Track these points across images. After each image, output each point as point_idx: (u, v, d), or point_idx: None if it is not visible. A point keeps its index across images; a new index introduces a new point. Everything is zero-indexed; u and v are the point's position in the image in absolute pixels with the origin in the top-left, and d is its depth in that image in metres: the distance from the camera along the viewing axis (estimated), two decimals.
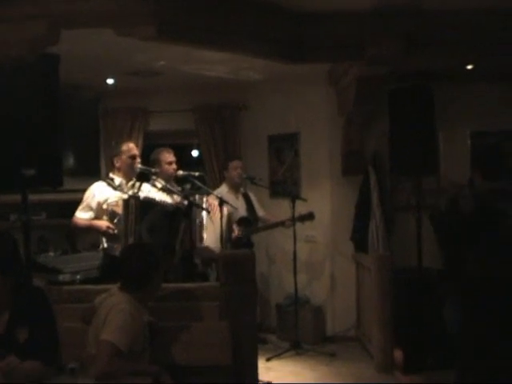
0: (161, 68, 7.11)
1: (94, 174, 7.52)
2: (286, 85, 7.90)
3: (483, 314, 4.58)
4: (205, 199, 6.15)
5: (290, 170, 8.19)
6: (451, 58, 6.43)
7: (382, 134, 7.22)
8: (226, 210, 6.38)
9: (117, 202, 5.61)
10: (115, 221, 5.53)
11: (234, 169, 7.32)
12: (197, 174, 6.36)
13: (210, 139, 8.36)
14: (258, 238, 7.61)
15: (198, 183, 6.27)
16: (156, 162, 6.30)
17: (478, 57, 6.50)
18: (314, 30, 6.02)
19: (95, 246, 6.04)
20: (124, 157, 5.89)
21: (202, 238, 5.94)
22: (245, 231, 7.07)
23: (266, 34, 5.81)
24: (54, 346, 3.43)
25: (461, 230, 4.86)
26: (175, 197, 6.08)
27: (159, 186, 6.07)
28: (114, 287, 4.02)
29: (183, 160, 7.16)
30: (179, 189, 6.21)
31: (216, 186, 7.56)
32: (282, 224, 7.26)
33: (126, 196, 5.57)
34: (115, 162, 5.93)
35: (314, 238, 7.92)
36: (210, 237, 6.19)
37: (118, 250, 5.39)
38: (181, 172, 6.34)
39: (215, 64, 6.97)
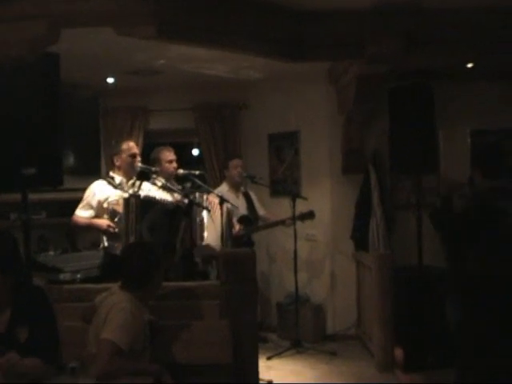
0: (161, 67, 7.11)
1: (94, 173, 7.52)
2: (286, 83, 7.90)
3: (483, 312, 4.58)
4: (205, 197, 6.15)
5: (290, 168, 8.19)
6: (451, 56, 6.43)
7: (382, 132, 7.22)
8: (225, 206, 6.37)
9: (117, 200, 5.61)
10: (116, 219, 5.53)
11: (235, 167, 7.32)
12: (197, 172, 6.35)
13: (210, 138, 8.36)
14: (259, 237, 7.61)
15: (199, 182, 6.26)
16: (156, 161, 6.30)
17: (478, 55, 6.50)
18: (314, 28, 6.02)
19: (95, 244, 6.04)
20: (124, 155, 5.89)
21: (202, 237, 5.94)
22: (245, 230, 7.07)
23: (266, 33, 5.81)
24: (54, 345, 3.43)
25: (456, 229, 4.87)
26: (175, 195, 6.08)
27: (159, 184, 6.07)
28: (114, 286, 4.02)
29: (183, 159, 7.16)
30: (179, 187, 6.21)
31: (216, 184, 7.56)
32: (282, 223, 7.26)
33: (126, 195, 5.57)
34: (115, 160, 5.93)
35: (315, 237, 7.92)
36: (211, 235, 6.18)
37: (118, 248, 5.39)
38: (181, 171, 6.33)
39: (215, 63, 6.97)
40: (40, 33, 4.64)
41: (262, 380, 5.71)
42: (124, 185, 5.81)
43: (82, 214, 5.74)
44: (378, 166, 7.54)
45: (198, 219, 5.88)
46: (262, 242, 7.92)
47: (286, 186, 8.15)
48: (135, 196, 5.50)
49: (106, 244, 5.69)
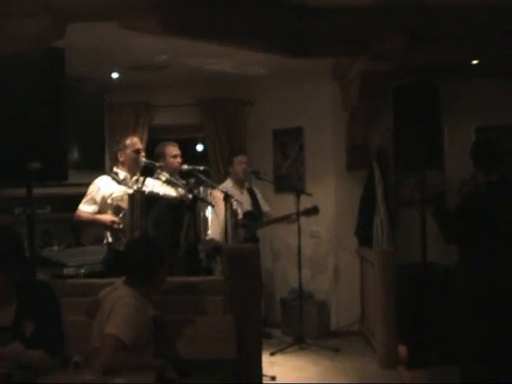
0: (165, 62, 7.11)
1: (99, 168, 7.52)
2: (291, 79, 7.89)
3: (483, 317, 4.57)
4: (209, 192, 6.13)
5: (295, 164, 8.20)
6: (455, 53, 6.42)
7: (386, 129, 7.22)
8: (234, 203, 6.38)
9: (122, 196, 5.58)
10: (120, 215, 5.51)
11: (239, 164, 7.31)
12: (201, 168, 6.33)
13: (214, 134, 8.35)
14: (263, 233, 7.61)
15: (203, 177, 6.25)
16: (161, 156, 6.28)
17: (482, 51, 6.50)
18: (317, 24, 6.00)
19: (99, 239, 6.03)
20: (128, 151, 5.87)
21: (206, 232, 5.93)
22: (250, 225, 7.06)
23: (268, 29, 5.79)
24: (59, 340, 3.44)
25: (455, 228, 4.87)
26: (180, 190, 6.07)
27: (164, 178, 6.06)
28: (118, 281, 4.02)
29: (188, 154, 7.15)
30: (184, 182, 6.20)
31: (221, 180, 7.54)
32: (287, 218, 7.26)
33: (130, 191, 5.55)
34: (119, 156, 5.91)
35: (318, 233, 7.93)
36: (215, 230, 6.19)
37: (122, 244, 5.37)
38: (185, 166, 6.32)
39: (220, 58, 6.97)
40: (46, 27, 4.63)
41: (266, 376, 5.72)
42: (128, 180, 5.79)
43: (86, 209, 5.71)
44: (382, 163, 7.55)
45: (202, 214, 5.87)
46: (266, 239, 7.93)
47: (290, 182, 8.14)
48: (140, 192, 5.47)
49: (109, 240, 5.67)
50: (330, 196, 7.86)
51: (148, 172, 6.00)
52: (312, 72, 7.52)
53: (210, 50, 6.28)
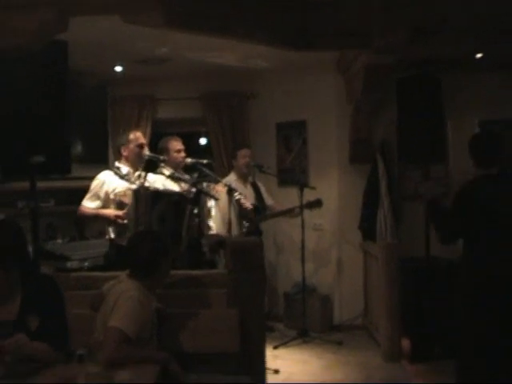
0: (168, 55, 7.11)
1: (102, 162, 7.53)
2: (295, 73, 7.88)
3: (483, 311, 4.56)
4: (212, 186, 6.13)
5: (298, 157, 8.20)
6: (457, 46, 6.41)
7: (390, 122, 7.22)
8: (237, 196, 6.41)
9: (124, 191, 5.59)
10: (125, 210, 5.50)
11: (243, 157, 7.31)
12: (205, 161, 6.33)
13: (217, 127, 8.35)
14: (266, 227, 7.61)
15: (207, 171, 6.25)
16: (164, 150, 6.28)
17: (486, 45, 6.48)
18: (320, 17, 5.98)
19: (103, 233, 6.04)
20: (131, 146, 5.85)
21: (210, 226, 5.93)
22: (254, 219, 7.06)
23: (271, 22, 5.78)
24: (64, 333, 3.45)
25: (445, 226, 4.86)
26: (183, 185, 6.07)
27: (167, 173, 6.06)
28: (122, 274, 4.03)
29: (191, 148, 7.15)
30: (187, 177, 6.20)
31: (224, 174, 7.53)
32: (290, 211, 7.26)
33: (133, 186, 5.54)
34: (122, 150, 5.88)
35: (322, 227, 7.93)
36: (218, 223, 6.20)
37: (125, 239, 5.34)
38: (189, 160, 6.32)
39: (223, 52, 6.96)
40: (48, 21, 4.62)
41: (269, 369, 5.73)
42: (131, 175, 5.78)
43: (89, 204, 5.70)
44: (385, 156, 7.53)
45: (205, 208, 5.87)
46: (270, 232, 7.93)
47: (293, 175, 8.14)
48: (144, 187, 5.46)
49: (112, 235, 5.66)
50: (333, 189, 7.85)
51: (151, 166, 5.99)
52: (316, 65, 7.52)
53: (212, 43, 6.27)
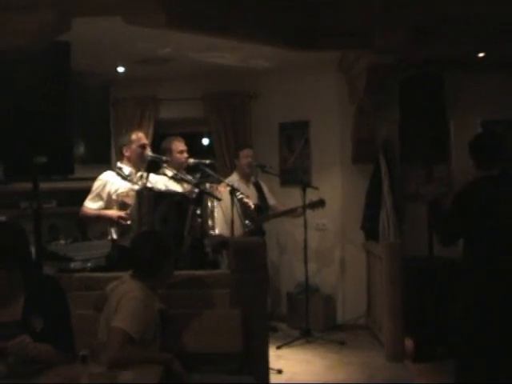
0: (170, 56, 7.11)
1: (105, 163, 7.52)
2: (297, 73, 7.88)
3: (483, 311, 4.55)
4: (215, 186, 6.13)
5: (301, 158, 8.20)
6: (459, 46, 6.41)
7: (392, 122, 7.21)
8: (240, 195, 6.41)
9: (127, 192, 5.57)
10: (128, 211, 5.48)
11: (245, 157, 7.30)
12: (207, 161, 6.34)
13: (220, 127, 8.35)
14: (269, 227, 7.61)
15: (209, 171, 6.25)
16: (167, 151, 6.28)
17: (487, 45, 6.49)
18: (323, 17, 5.98)
19: (105, 234, 6.04)
20: (134, 146, 5.83)
21: (213, 227, 5.92)
22: (256, 219, 7.06)
23: (275, 22, 5.79)
24: (68, 335, 3.45)
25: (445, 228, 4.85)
26: (185, 185, 6.07)
27: (170, 174, 6.06)
28: (125, 275, 4.03)
29: (193, 148, 7.16)
30: (190, 177, 6.20)
31: (227, 174, 7.54)
32: (293, 211, 7.26)
33: (136, 187, 5.52)
34: (125, 151, 5.86)
35: (325, 227, 7.94)
36: (221, 224, 6.20)
37: (128, 240, 5.31)
38: (191, 160, 6.33)
39: (225, 52, 6.96)
40: (50, 21, 4.63)
41: (272, 369, 5.72)
42: (133, 176, 5.77)
43: (92, 205, 5.66)
44: (388, 156, 7.53)
45: (208, 209, 5.87)
46: (272, 232, 7.93)
47: (296, 175, 8.13)
48: (147, 188, 5.43)
49: (114, 236, 5.64)
50: (336, 189, 7.85)
51: (154, 167, 5.99)
52: (318, 65, 7.52)
53: (213, 43, 6.28)
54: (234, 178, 7.21)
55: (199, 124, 8.74)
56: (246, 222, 6.81)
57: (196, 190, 5.63)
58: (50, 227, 7.54)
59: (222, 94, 8.35)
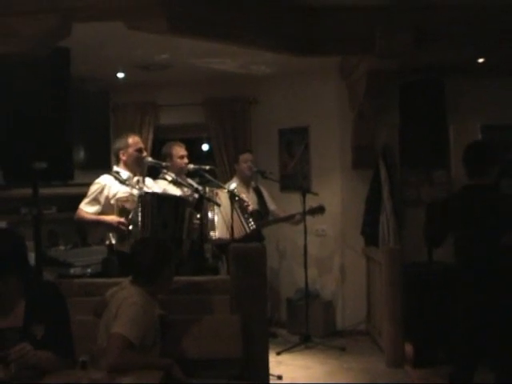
0: (170, 62, 7.12)
1: (105, 168, 7.48)
2: (297, 78, 7.90)
3: (481, 312, 4.56)
4: (215, 192, 6.14)
5: (301, 163, 8.20)
6: (461, 51, 6.41)
7: (392, 127, 7.22)
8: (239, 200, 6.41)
9: (127, 197, 5.51)
10: (130, 216, 5.39)
11: (244, 161, 7.30)
12: (207, 167, 6.34)
13: (220, 133, 8.36)
14: (269, 232, 7.60)
15: (209, 177, 6.24)
16: (167, 156, 6.29)
17: (488, 50, 6.48)
18: (324, 23, 5.98)
19: (105, 239, 6.04)
20: (130, 150, 5.76)
21: (213, 232, 5.92)
22: (256, 224, 7.05)
23: (276, 28, 5.79)
24: (68, 342, 3.44)
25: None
26: (185, 190, 6.07)
27: (169, 178, 6.05)
28: (125, 280, 4.03)
29: (193, 154, 7.16)
30: (190, 182, 6.20)
31: (226, 179, 7.55)
32: (292, 217, 7.25)
33: (135, 191, 5.48)
34: (121, 155, 5.80)
35: (324, 232, 7.93)
36: (221, 229, 6.19)
37: (127, 245, 5.25)
38: (191, 166, 6.32)
39: (225, 58, 6.97)
40: (51, 27, 4.63)
41: (272, 375, 5.72)
42: (131, 180, 5.73)
43: (89, 209, 5.57)
44: (388, 161, 7.54)
45: (208, 214, 5.86)
46: (272, 238, 7.92)
47: (296, 181, 8.14)
48: (150, 193, 5.39)
49: (112, 241, 5.58)
50: (335, 195, 7.85)
51: (154, 172, 5.98)
52: (318, 71, 7.53)
53: (214, 49, 6.30)
54: (234, 183, 7.20)
55: (199, 130, 8.76)
56: (250, 220, 6.73)
57: (196, 196, 5.63)
58: (49, 233, 7.54)
59: (222, 100, 8.37)
